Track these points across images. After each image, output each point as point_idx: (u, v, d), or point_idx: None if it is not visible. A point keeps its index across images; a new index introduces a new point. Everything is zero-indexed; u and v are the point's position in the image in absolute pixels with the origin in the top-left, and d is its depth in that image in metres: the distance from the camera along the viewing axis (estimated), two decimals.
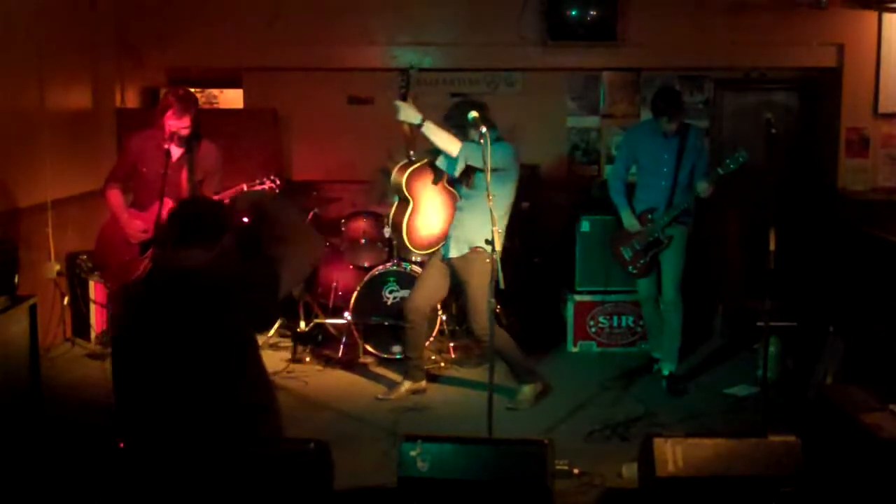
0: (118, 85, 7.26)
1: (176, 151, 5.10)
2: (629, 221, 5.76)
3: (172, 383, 2.55)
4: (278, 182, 5.31)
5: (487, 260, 4.62)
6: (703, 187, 5.48)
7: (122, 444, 2.59)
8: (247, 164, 5.41)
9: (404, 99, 5.01)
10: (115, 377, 2.65)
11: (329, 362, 6.24)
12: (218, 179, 5.26)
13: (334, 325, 6.50)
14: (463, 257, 5.18)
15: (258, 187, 5.27)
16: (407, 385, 5.56)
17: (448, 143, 4.98)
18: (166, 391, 2.56)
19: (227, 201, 5.10)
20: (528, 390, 5.40)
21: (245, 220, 2.79)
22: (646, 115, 7.61)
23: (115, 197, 5.17)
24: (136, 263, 4.95)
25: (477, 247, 5.06)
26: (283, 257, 2.71)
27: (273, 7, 7.22)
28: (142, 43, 7.24)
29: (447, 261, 5.30)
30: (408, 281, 6.22)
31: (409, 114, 4.94)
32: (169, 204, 4.85)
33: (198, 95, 9.13)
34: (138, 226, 5.06)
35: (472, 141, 4.94)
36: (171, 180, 4.96)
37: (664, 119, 5.58)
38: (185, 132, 5.09)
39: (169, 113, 5.04)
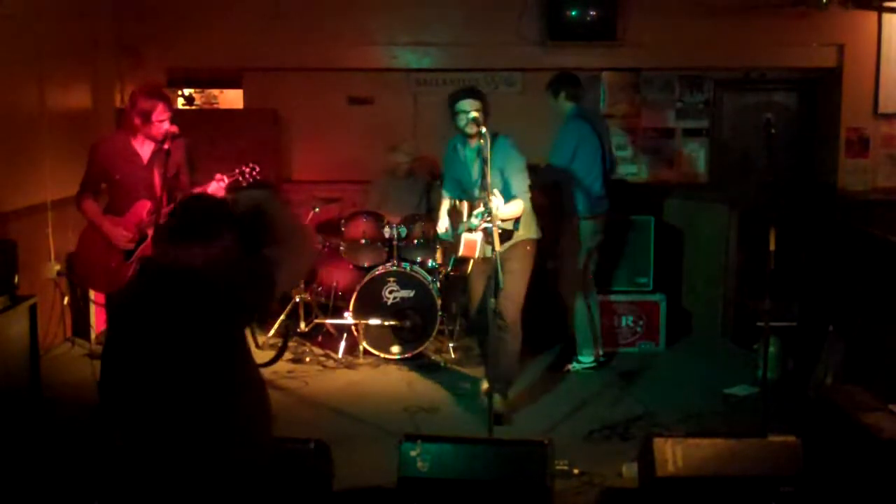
0: (118, 85, 7.24)
1: (146, 151, 4.92)
2: None
3: (165, 383, 2.52)
4: (257, 170, 5.22)
5: (528, 248, 5.06)
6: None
7: (119, 443, 2.57)
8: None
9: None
10: (105, 381, 2.59)
11: (329, 362, 6.25)
12: (191, 170, 5.05)
13: (334, 325, 6.50)
14: (512, 246, 5.07)
15: (235, 178, 5.17)
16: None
17: (516, 211, 4.95)
18: (159, 391, 2.52)
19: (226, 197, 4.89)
20: (497, 401, 5.03)
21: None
22: (646, 114, 7.64)
23: (91, 206, 4.96)
24: (126, 268, 4.81)
25: (524, 239, 5.09)
26: (279, 258, 2.66)
27: (273, 7, 7.22)
28: (142, 43, 7.22)
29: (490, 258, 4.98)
30: (408, 281, 6.22)
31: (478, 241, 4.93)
32: (147, 205, 4.78)
33: (197, 96, 9.23)
34: (122, 233, 4.85)
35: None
36: (146, 181, 4.86)
37: (562, 96, 6.01)
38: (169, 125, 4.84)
39: (159, 110, 4.78)
